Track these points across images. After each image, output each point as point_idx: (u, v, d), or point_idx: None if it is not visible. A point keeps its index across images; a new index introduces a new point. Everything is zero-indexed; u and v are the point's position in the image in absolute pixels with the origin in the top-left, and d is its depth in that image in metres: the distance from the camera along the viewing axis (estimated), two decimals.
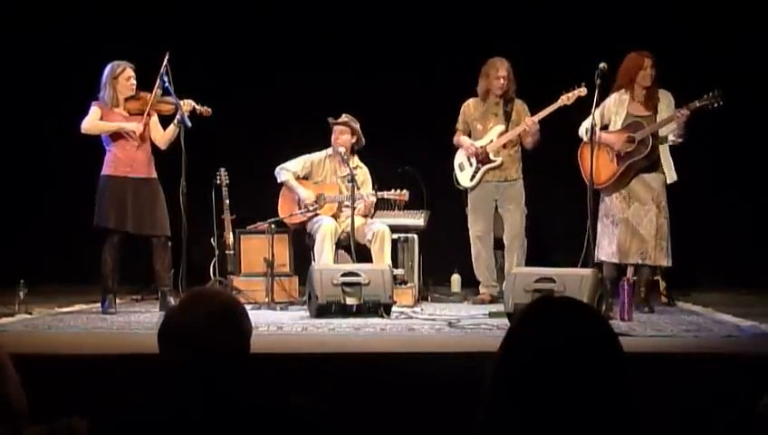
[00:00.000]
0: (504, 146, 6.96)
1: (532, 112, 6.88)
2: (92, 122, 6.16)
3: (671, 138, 6.22)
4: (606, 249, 6.22)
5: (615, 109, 6.29)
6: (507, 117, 6.99)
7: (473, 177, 7.01)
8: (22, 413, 2.05)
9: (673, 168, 6.23)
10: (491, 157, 6.95)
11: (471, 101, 7.12)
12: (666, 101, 6.24)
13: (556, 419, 1.46)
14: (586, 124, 6.28)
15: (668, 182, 6.22)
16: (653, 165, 6.21)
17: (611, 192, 6.26)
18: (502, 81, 6.91)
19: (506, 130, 6.96)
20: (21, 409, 2.05)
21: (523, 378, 1.49)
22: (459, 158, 7.10)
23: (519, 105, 7.02)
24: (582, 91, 6.56)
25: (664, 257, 6.21)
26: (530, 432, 1.47)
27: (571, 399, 1.47)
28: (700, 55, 7.60)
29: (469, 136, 7.09)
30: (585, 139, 6.35)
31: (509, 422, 1.48)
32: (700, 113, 6.09)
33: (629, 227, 6.19)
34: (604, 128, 6.32)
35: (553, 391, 1.47)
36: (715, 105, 6.01)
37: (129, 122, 6.17)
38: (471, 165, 7.02)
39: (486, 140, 6.99)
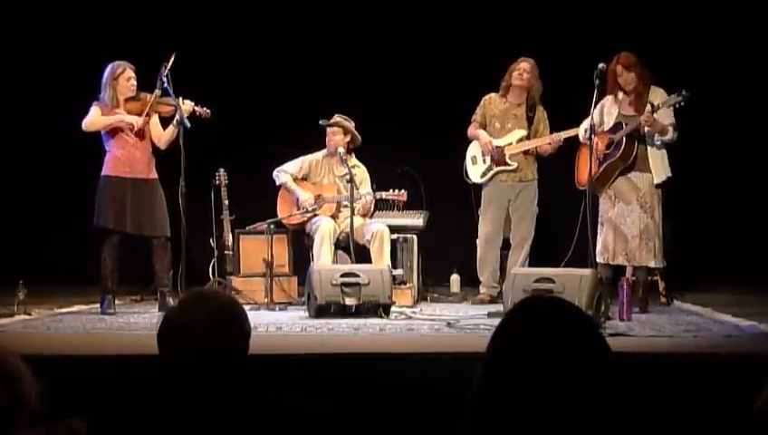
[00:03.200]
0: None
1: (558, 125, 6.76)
2: (93, 119, 6.17)
3: (657, 138, 6.18)
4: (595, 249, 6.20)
5: (608, 110, 6.28)
6: (529, 122, 6.87)
7: (484, 174, 6.90)
8: (36, 410, 2.03)
9: (663, 168, 6.18)
10: (507, 160, 6.83)
11: (493, 95, 6.95)
12: (657, 99, 6.16)
13: (542, 420, 1.46)
14: (584, 125, 6.29)
15: (655, 182, 6.17)
16: (639, 165, 6.17)
17: (600, 193, 6.25)
18: (520, 71, 6.79)
19: (527, 137, 6.84)
20: (36, 406, 2.03)
21: (510, 378, 1.49)
22: (472, 151, 6.95)
23: (541, 112, 6.88)
24: None
25: (651, 258, 6.19)
26: (516, 433, 1.47)
27: (558, 399, 1.46)
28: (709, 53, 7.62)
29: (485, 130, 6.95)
30: (583, 140, 6.36)
31: (495, 423, 1.48)
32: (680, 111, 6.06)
33: (613, 226, 6.18)
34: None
35: (540, 390, 1.47)
36: (677, 106, 5.99)
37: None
38: (484, 162, 6.89)
39: (505, 140, 6.85)
